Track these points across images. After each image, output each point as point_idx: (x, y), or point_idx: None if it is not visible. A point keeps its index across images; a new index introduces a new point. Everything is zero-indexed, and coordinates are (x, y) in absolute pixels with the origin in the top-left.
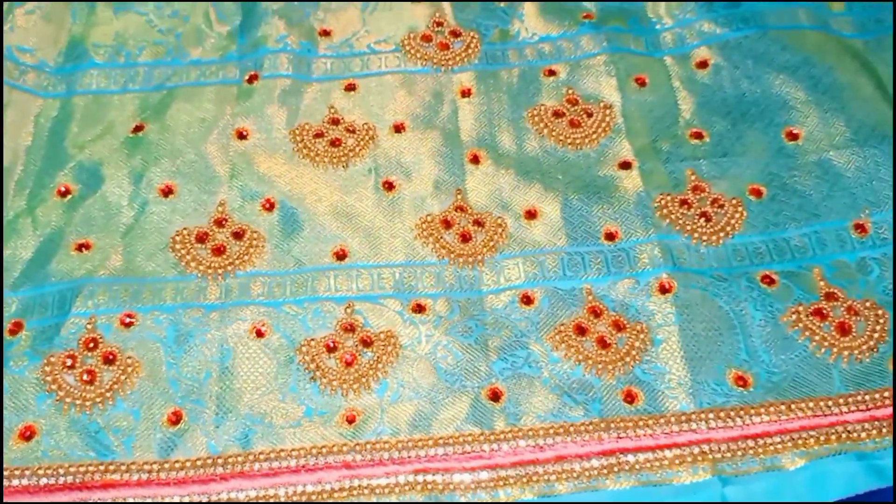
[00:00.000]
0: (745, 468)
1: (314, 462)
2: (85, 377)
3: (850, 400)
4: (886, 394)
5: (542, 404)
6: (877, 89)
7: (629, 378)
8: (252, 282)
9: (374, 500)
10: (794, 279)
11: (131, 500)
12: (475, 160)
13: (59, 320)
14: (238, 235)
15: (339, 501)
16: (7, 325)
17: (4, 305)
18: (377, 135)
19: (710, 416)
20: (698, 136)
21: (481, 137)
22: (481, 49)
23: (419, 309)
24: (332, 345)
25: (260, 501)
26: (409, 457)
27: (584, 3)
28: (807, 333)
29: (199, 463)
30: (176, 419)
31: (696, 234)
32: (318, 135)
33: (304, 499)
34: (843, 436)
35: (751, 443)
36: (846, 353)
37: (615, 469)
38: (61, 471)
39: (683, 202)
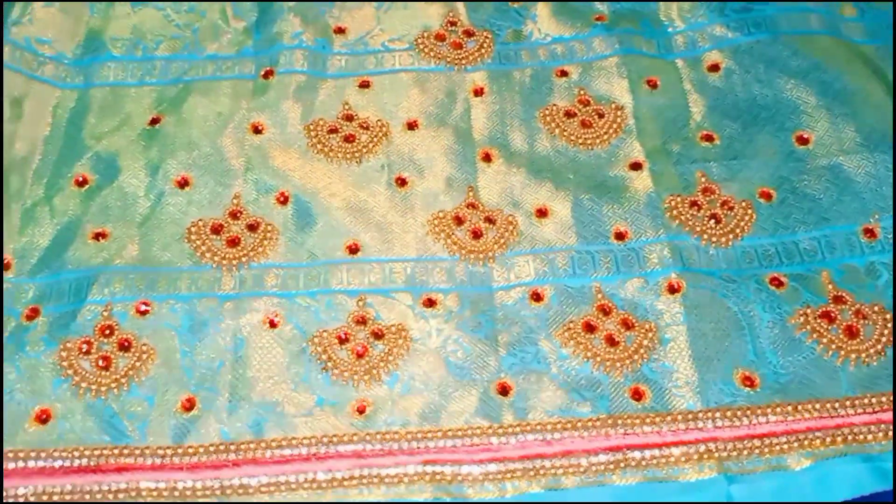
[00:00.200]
0: (750, 467)
1: (325, 451)
2: (100, 363)
3: (856, 402)
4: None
5: (550, 400)
6: (887, 95)
7: (637, 376)
8: (266, 273)
9: (384, 489)
10: (802, 282)
11: (144, 484)
12: (487, 158)
13: (76, 307)
14: (252, 228)
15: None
16: (24, 311)
17: (22, 292)
18: (390, 132)
19: (717, 415)
20: (709, 138)
21: (493, 136)
22: (494, 49)
23: (430, 303)
24: (343, 336)
25: (271, 488)
26: (419, 448)
27: (597, 5)
28: (815, 336)
29: (211, 449)
30: (190, 406)
31: (705, 236)
32: (333, 130)
33: (314, 486)
34: (850, 437)
35: (757, 442)
36: (853, 356)
37: (622, 465)
38: (76, 454)
39: (693, 204)
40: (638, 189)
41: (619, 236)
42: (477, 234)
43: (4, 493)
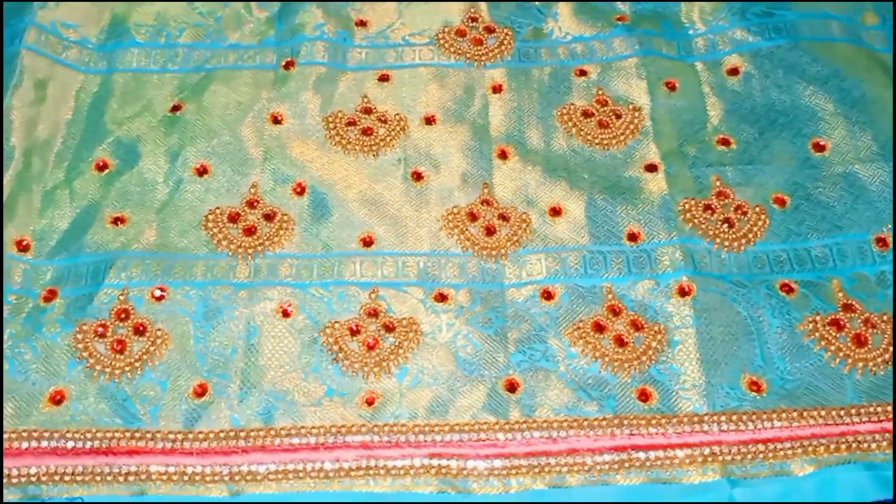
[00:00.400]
0: (754, 471)
1: (333, 440)
2: (115, 346)
3: (861, 411)
4: None
5: (557, 398)
6: None
7: (644, 377)
8: (280, 263)
9: (390, 481)
10: (812, 289)
11: (154, 468)
12: (503, 155)
13: (93, 290)
14: (269, 217)
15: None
16: (42, 293)
17: (40, 273)
18: (408, 126)
19: (723, 418)
20: (725, 142)
21: (510, 133)
22: (514, 46)
23: (441, 298)
24: (355, 328)
25: (279, 476)
26: (426, 441)
27: (618, 5)
28: (823, 343)
29: (221, 435)
30: (201, 391)
31: (718, 240)
32: (351, 123)
33: (321, 476)
34: (854, 445)
35: (761, 447)
36: (861, 364)
37: (626, 465)
38: (88, 435)
39: (707, 207)
40: (652, 191)
41: (632, 237)
42: (490, 231)
43: (17, 472)
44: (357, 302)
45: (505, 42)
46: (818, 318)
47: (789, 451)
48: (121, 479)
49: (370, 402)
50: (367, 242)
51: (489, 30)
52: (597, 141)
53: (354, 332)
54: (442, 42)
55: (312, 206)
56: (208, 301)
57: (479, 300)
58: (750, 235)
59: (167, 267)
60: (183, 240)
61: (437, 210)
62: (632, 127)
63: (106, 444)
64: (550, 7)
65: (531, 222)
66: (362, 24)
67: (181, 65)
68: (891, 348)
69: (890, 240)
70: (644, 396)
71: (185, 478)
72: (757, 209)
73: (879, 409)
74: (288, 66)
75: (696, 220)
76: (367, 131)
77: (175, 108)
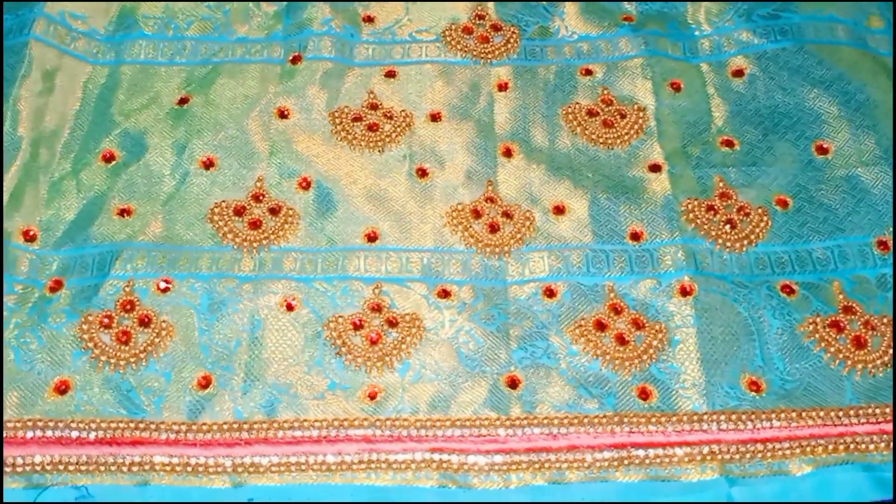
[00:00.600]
0: (752, 470)
1: (335, 434)
2: (120, 337)
3: (860, 412)
4: None
5: (558, 395)
6: None
7: (645, 375)
8: (285, 257)
9: (391, 475)
10: (813, 290)
11: (158, 458)
12: (508, 153)
13: (98, 281)
14: (274, 211)
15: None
16: (48, 283)
17: (46, 264)
18: (414, 122)
19: (722, 417)
20: (729, 143)
21: (515, 131)
22: (521, 44)
23: (445, 294)
24: (358, 323)
25: (281, 468)
26: (427, 435)
27: (625, 5)
28: (822, 344)
29: (225, 427)
30: (205, 383)
31: (720, 240)
32: (357, 118)
33: (324, 469)
34: (852, 446)
35: (760, 446)
36: (860, 366)
37: (625, 462)
38: (93, 425)
39: (710, 208)
40: (656, 191)
41: (635, 237)
42: (494, 228)
43: (22, 461)
44: (361, 297)
45: (511, 40)
46: (818, 319)
47: (788, 451)
48: (124, 469)
49: (372, 397)
50: (372, 238)
51: (496, 28)
52: (601, 140)
53: (358, 327)
54: (449, 39)
55: (318, 201)
56: (213, 294)
57: (482, 297)
58: (752, 236)
59: (172, 259)
60: (189, 232)
61: (441, 206)
62: (636, 127)
63: (110, 435)
64: (557, 6)
65: (535, 220)
66: (369, 20)
67: (189, 58)
68: (890, 350)
69: (891, 243)
70: (644, 395)
71: (189, 469)
72: (759, 210)
73: (878, 410)
74: (295, 60)
75: (698, 221)
76: (372, 127)
77: (182, 101)
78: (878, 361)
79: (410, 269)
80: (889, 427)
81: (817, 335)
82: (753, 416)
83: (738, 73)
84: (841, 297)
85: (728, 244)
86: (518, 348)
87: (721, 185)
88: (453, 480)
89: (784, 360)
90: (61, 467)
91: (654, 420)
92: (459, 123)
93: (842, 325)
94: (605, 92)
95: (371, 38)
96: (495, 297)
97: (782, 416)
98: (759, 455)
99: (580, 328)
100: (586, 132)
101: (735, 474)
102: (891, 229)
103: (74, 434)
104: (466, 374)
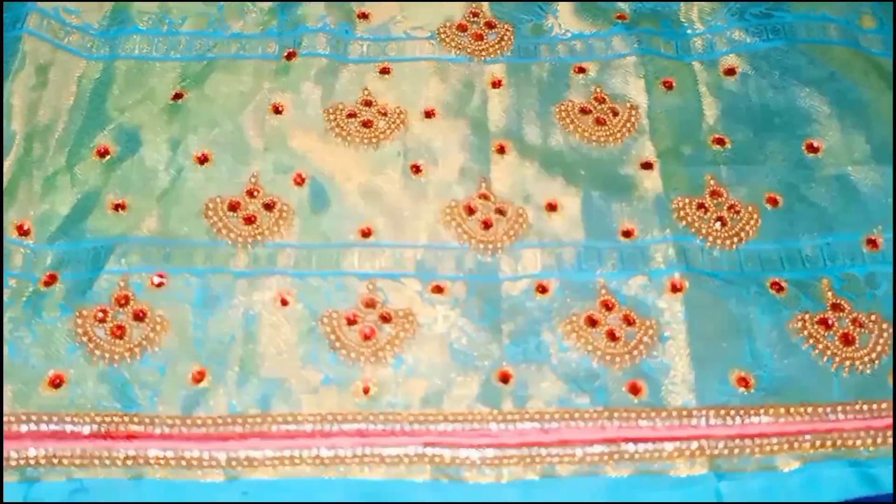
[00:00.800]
0: (740, 466)
1: (329, 428)
2: (115, 331)
3: (847, 408)
4: (885, 405)
5: (549, 390)
6: None
7: (635, 371)
8: (280, 252)
9: (384, 469)
10: (802, 288)
11: (153, 452)
12: (501, 150)
13: (93, 275)
14: (269, 207)
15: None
16: (42, 277)
17: (40, 258)
18: (408, 119)
19: (711, 413)
20: (720, 142)
21: (509, 129)
22: (514, 42)
23: (438, 290)
24: (352, 318)
25: (276, 462)
26: (420, 430)
27: (619, 4)
28: (811, 341)
29: (219, 421)
30: (200, 378)
31: (710, 238)
32: (351, 115)
33: (318, 463)
34: (839, 442)
35: (748, 442)
36: (848, 362)
37: (615, 457)
38: (87, 419)
39: (700, 205)
40: (647, 188)
41: (626, 234)
42: (487, 225)
43: (16, 455)
44: (355, 292)
45: (505, 38)
46: (807, 316)
47: (776, 447)
48: (119, 462)
49: (366, 391)
50: (366, 234)
51: (490, 25)
52: (594, 138)
53: (352, 322)
54: (443, 36)
55: (312, 197)
56: (207, 289)
57: (475, 293)
58: (742, 234)
59: (167, 254)
60: (183, 227)
61: (435, 203)
62: (629, 125)
63: (105, 428)
64: (551, 4)
65: (527, 217)
66: (364, 16)
67: (183, 53)
68: (877, 347)
69: (880, 241)
70: (635, 390)
71: (183, 462)
72: (749, 208)
73: (865, 406)
74: (290, 56)
75: (689, 218)
76: (367, 124)
77: (177, 97)
78: (866, 358)
79: (404, 265)
80: (876, 423)
81: (806, 332)
82: (742, 412)
83: (730, 72)
84: (830, 294)
85: (718, 241)
86: (510, 343)
87: (712, 182)
88: (446, 474)
89: (773, 357)
90: (55, 461)
91: (644, 415)
92: (453, 120)
93: (830, 322)
94: (598, 90)
95: (366, 34)
96: (488, 292)
97: (770, 411)
98: (748, 450)
99: (572, 324)
100: (579, 130)
101: (723, 469)
102: (880, 227)
103: (69, 428)
104: (459, 369)
